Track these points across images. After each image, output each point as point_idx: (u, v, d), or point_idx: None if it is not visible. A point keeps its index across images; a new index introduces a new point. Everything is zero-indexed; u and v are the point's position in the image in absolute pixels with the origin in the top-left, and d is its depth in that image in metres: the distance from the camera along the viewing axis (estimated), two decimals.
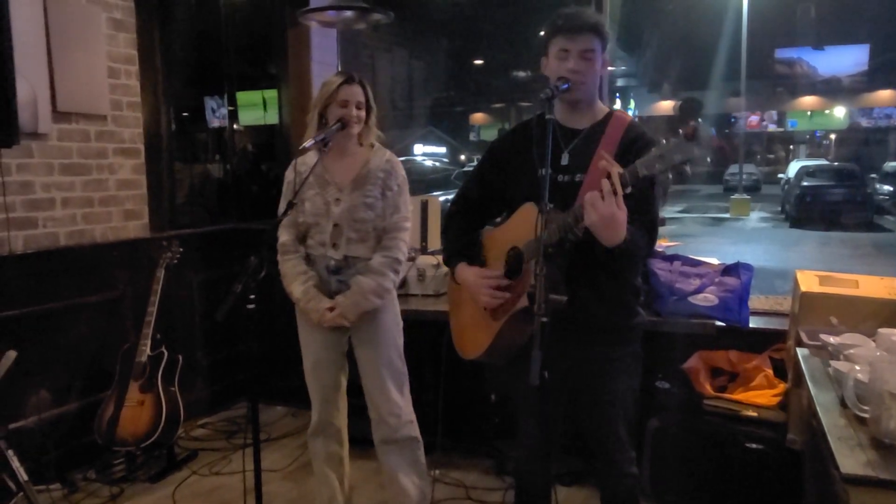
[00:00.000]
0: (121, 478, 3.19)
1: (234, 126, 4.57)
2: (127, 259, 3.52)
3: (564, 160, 1.92)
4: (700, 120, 1.51)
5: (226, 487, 3.14)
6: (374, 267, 2.42)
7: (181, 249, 3.43)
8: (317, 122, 2.43)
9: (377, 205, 2.44)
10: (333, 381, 2.56)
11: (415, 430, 2.57)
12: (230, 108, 4.50)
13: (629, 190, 1.61)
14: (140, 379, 3.19)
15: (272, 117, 4.41)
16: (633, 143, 1.85)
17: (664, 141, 1.53)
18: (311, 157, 2.44)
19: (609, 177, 1.62)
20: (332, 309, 2.40)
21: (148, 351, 3.22)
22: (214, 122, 4.61)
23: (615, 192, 1.62)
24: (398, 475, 2.54)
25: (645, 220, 1.82)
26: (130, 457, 3.23)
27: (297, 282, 2.43)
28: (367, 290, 2.39)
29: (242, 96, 4.56)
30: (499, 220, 2.15)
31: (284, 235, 2.47)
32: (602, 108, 1.99)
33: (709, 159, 1.52)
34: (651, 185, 1.64)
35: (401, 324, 2.59)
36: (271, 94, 4.36)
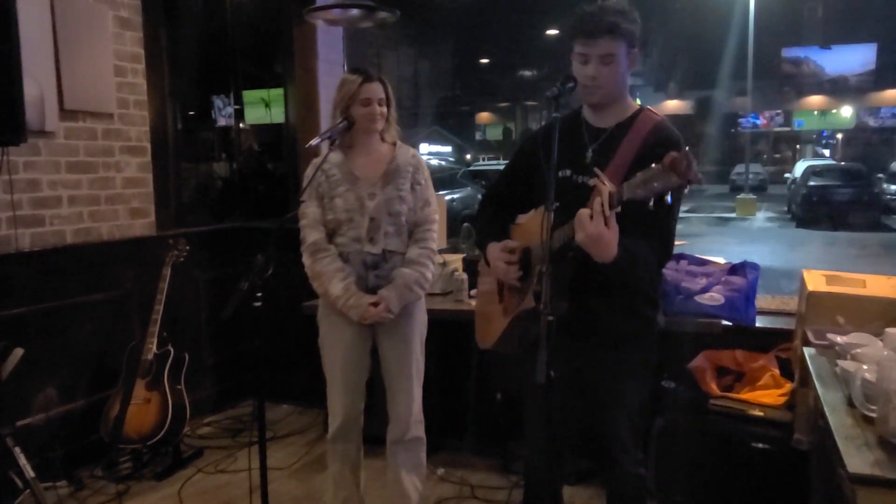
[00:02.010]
0: (127, 475, 3.19)
1: (241, 125, 4.58)
2: (133, 257, 3.53)
3: (588, 160, 1.89)
4: (686, 148, 1.47)
5: (231, 485, 3.14)
6: (414, 258, 2.42)
7: (188, 248, 3.44)
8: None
9: (408, 198, 2.45)
10: (359, 382, 2.54)
11: (422, 431, 2.57)
12: (236, 106, 4.51)
13: (618, 209, 1.59)
14: (146, 377, 3.20)
15: (276, 116, 4.42)
16: (657, 148, 1.78)
17: (652, 165, 1.51)
18: (335, 156, 2.45)
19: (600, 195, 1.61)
20: (375, 304, 2.37)
21: (154, 349, 3.22)
22: (221, 121, 4.62)
23: (604, 213, 1.60)
24: (402, 476, 2.54)
25: (657, 235, 1.80)
26: (136, 454, 3.24)
27: (336, 279, 2.38)
28: (412, 281, 2.39)
29: (249, 95, 4.57)
30: (521, 217, 2.16)
31: (314, 234, 2.42)
32: (631, 105, 1.93)
33: (686, 190, 1.49)
34: (666, 199, 1.58)
35: (426, 320, 2.59)
36: (276, 92, 4.37)
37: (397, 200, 2.42)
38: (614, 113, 1.92)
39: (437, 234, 2.51)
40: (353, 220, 2.40)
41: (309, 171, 2.48)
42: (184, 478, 3.21)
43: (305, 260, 2.45)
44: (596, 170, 1.69)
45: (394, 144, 2.52)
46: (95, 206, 3.45)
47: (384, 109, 2.44)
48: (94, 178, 3.44)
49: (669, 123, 1.90)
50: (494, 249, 2.01)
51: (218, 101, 4.59)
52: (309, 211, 2.44)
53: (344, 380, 2.50)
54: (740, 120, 27.63)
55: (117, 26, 3.54)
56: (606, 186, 1.61)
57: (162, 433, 3.14)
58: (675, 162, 1.44)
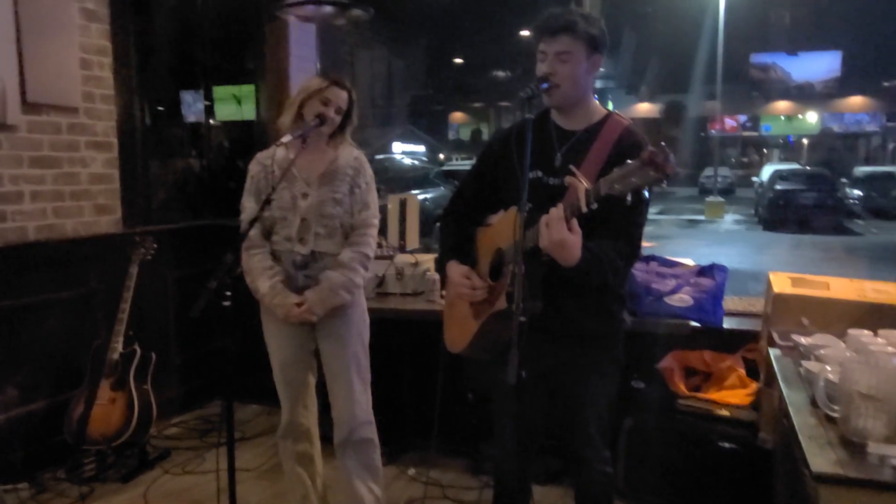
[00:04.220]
0: (91, 477, 3.13)
1: (211, 121, 4.52)
2: (99, 255, 3.46)
3: (557, 162, 1.91)
4: (662, 143, 1.51)
5: (199, 487, 3.10)
6: (344, 262, 2.39)
7: (155, 245, 3.37)
8: (293, 116, 2.39)
9: (345, 200, 2.42)
10: (302, 380, 2.53)
11: (372, 433, 2.54)
12: (207, 102, 4.44)
13: (594, 206, 1.60)
14: (112, 377, 3.13)
15: (247, 113, 4.37)
16: (627, 152, 1.78)
17: (628, 161, 1.53)
18: (278, 152, 2.42)
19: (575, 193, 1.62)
20: (299, 304, 2.36)
21: (120, 348, 3.16)
22: (190, 117, 4.55)
23: (567, 218, 1.63)
24: (353, 480, 2.51)
25: (623, 237, 1.82)
26: (101, 456, 3.17)
27: (264, 277, 2.38)
28: (337, 284, 2.36)
29: (219, 91, 4.50)
30: (492, 218, 2.15)
31: (250, 230, 2.42)
32: (599, 109, 1.97)
33: (664, 184, 1.53)
34: (631, 200, 1.59)
35: (367, 321, 2.56)
36: (248, 89, 4.31)
37: (331, 202, 2.39)
38: (582, 116, 1.94)
39: (373, 238, 2.47)
40: (286, 218, 2.39)
41: (252, 167, 2.47)
42: (150, 479, 3.16)
43: (242, 255, 2.42)
44: (571, 167, 1.70)
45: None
46: (60, 202, 3.37)
47: (337, 119, 2.41)
48: (59, 173, 3.36)
49: (637, 128, 1.94)
50: (454, 273, 2.02)
51: (187, 97, 4.52)
52: (248, 206, 2.44)
53: (284, 378, 2.50)
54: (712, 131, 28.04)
55: (83, 18, 3.46)
56: (582, 184, 1.62)
57: (127, 434, 3.08)
58: (652, 156, 1.46)
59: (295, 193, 2.40)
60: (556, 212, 1.65)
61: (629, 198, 1.53)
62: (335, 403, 2.50)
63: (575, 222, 1.65)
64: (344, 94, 2.41)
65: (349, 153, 2.48)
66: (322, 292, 2.36)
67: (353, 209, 2.43)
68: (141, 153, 3.82)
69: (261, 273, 2.39)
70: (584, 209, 1.60)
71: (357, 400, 2.48)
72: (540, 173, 1.92)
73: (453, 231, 2.14)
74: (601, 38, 1.88)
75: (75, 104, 3.42)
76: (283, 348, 2.49)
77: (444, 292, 3.18)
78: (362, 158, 2.50)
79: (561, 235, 1.64)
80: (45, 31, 3.21)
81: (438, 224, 2.28)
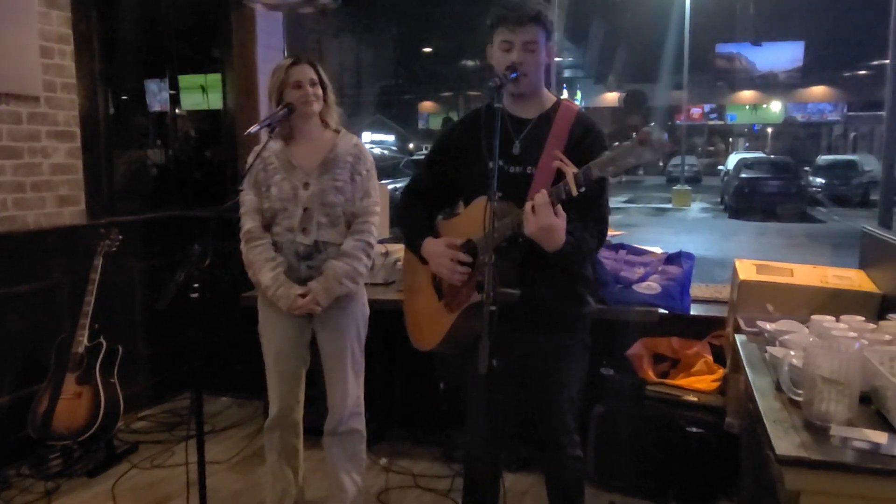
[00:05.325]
0: (57, 472, 3.07)
1: (177, 110, 4.44)
2: (62, 247, 3.38)
3: (515, 150, 1.92)
4: (653, 123, 1.56)
5: (168, 480, 3.07)
6: (348, 251, 2.37)
7: (121, 237, 3.31)
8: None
9: (346, 189, 2.40)
10: (295, 373, 2.52)
11: (360, 423, 2.54)
12: (172, 91, 4.36)
13: (583, 190, 1.62)
14: (77, 371, 3.08)
15: (214, 102, 4.29)
16: (584, 137, 1.86)
17: (617, 143, 1.56)
18: (274, 144, 2.40)
19: (564, 177, 1.65)
20: (303, 295, 2.34)
21: (85, 342, 3.11)
22: (155, 106, 4.47)
23: (553, 203, 1.66)
24: (338, 470, 2.52)
25: (594, 218, 1.85)
26: (67, 451, 3.12)
27: (266, 268, 2.35)
28: (342, 274, 2.35)
29: (185, 80, 4.42)
30: (457, 210, 2.14)
31: (249, 223, 2.39)
32: (549, 97, 1.99)
33: (661, 163, 1.57)
34: (600, 185, 1.67)
35: (367, 313, 2.55)
36: (214, 78, 4.24)
37: (332, 191, 2.37)
38: (536, 104, 1.96)
39: (376, 226, 2.46)
40: (286, 209, 2.37)
41: (250, 159, 2.44)
42: (117, 474, 3.11)
43: (242, 248, 2.41)
44: (556, 153, 1.72)
45: (337, 132, 2.48)
46: (20, 193, 3.28)
47: (318, 91, 2.39)
48: (19, 164, 3.28)
49: (587, 113, 1.97)
50: (437, 246, 1.96)
51: (152, 86, 4.43)
52: (247, 199, 2.41)
53: (278, 369, 2.48)
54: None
55: (43, 5, 3.37)
56: (570, 168, 1.64)
57: (94, 428, 3.03)
58: (647, 137, 1.48)
59: (295, 184, 2.37)
60: (542, 197, 1.66)
61: (621, 178, 1.57)
62: (330, 393, 2.50)
63: (560, 207, 1.67)
64: (307, 67, 2.37)
65: (348, 140, 2.46)
66: (326, 281, 2.34)
67: (355, 197, 2.42)
68: (105, 143, 3.74)
69: (263, 265, 2.36)
70: (575, 193, 1.63)
71: (350, 391, 2.48)
72: (501, 162, 1.92)
73: (416, 217, 2.10)
74: (553, 25, 1.92)
75: (35, 93, 3.33)
76: (279, 339, 2.46)
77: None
78: (361, 145, 2.48)
79: (548, 221, 1.66)
80: (3, 17, 3.11)
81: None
